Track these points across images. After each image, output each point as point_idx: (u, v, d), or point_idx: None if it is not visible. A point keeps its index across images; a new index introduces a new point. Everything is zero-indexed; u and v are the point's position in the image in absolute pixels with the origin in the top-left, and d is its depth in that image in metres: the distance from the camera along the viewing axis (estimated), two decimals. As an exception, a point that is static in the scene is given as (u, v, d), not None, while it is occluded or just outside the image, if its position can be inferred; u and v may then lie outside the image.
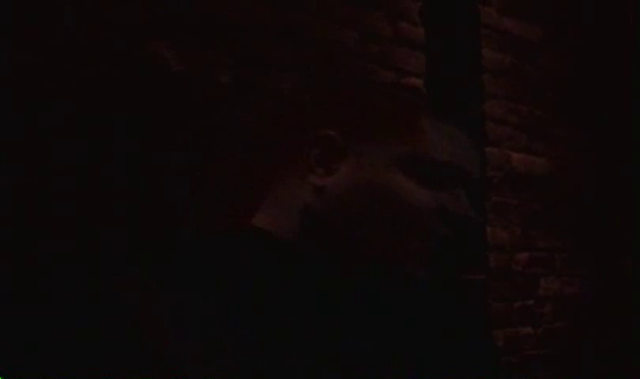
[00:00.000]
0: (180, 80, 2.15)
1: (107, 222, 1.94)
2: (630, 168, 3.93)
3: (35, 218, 1.83)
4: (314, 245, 0.97)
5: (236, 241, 0.98)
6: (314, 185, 0.98)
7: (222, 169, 2.15)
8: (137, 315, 0.84)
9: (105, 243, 1.88)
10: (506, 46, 3.33)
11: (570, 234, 3.64)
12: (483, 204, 3.18)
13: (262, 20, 2.38)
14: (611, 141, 3.87)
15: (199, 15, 2.22)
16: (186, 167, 2.13)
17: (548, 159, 3.53)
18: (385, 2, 2.81)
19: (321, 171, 0.99)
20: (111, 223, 1.93)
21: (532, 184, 3.45)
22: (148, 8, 2.10)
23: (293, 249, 0.97)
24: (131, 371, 0.80)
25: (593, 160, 3.77)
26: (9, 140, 1.81)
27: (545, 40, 3.55)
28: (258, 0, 2.38)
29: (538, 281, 3.49)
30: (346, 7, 2.66)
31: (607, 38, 3.87)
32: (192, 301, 0.88)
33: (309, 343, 0.89)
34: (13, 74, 1.82)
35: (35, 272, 1.75)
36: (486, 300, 3.20)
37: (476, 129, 3.15)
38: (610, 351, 3.73)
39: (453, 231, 0.96)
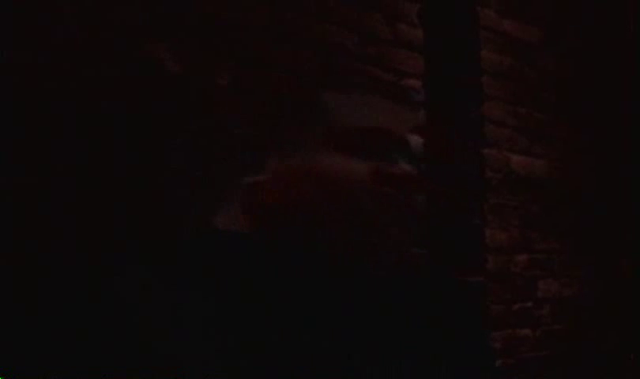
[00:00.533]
0: (179, 80, 2.15)
1: (108, 222, 1.94)
2: (630, 169, 3.92)
3: (35, 218, 1.83)
4: (269, 243, 0.96)
5: (213, 242, 0.98)
6: (247, 184, 0.99)
7: (222, 169, 2.14)
8: (137, 315, 0.84)
9: (105, 243, 1.87)
10: (505, 48, 3.33)
11: (570, 236, 3.64)
12: (482, 205, 3.18)
13: (261, 21, 2.38)
14: (611, 143, 3.87)
15: (198, 15, 2.22)
16: (186, 167, 2.13)
17: (547, 161, 3.53)
18: (384, 4, 2.81)
19: (253, 169, 0.99)
20: (112, 223, 1.93)
21: (531, 186, 3.45)
22: (147, 8, 2.10)
23: (257, 248, 0.97)
24: (131, 371, 0.80)
25: (593, 162, 3.77)
26: (9, 140, 1.81)
27: (544, 42, 3.55)
28: (257, 1, 2.38)
29: (537, 283, 3.49)
30: (345, 9, 2.66)
31: (606, 39, 3.87)
32: (191, 300, 0.88)
33: (294, 342, 0.88)
34: (13, 74, 1.82)
35: (36, 272, 1.74)
36: (484, 302, 3.20)
37: (475, 130, 3.15)
38: (609, 353, 3.72)
39: (393, 189, 0.95)
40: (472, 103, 3.11)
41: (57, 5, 1.89)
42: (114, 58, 2.03)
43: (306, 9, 2.52)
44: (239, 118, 2.15)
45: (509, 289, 3.33)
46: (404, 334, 1.01)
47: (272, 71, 2.38)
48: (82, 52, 1.95)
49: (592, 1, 3.81)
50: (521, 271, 3.41)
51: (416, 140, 2.90)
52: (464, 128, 3.08)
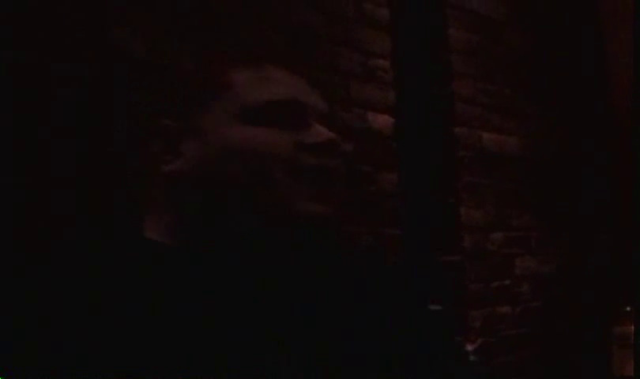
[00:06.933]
0: (144, 67, 2.13)
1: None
2: (603, 144, 3.94)
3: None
4: (197, 240, 0.93)
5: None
6: (168, 175, 0.96)
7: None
8: (135, 314, 0.82)
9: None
10: (472, 26, 3.33)
11: (545, 213, 3.65)
12: (455, 184, 3.18)
13: (225, 3, 2.37)
14: (582, 117, 3.88)
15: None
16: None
17: (519, 138, 3.54)
18: (349, -16, 2.80)
19: (170, 158, 0.96)
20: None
21: (504, 163, 3.45)
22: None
23: (182, 256, 0.93)
24: (129, 370, 0.79)
25: (565, 137, 3.78)
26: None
27: (512, 19, 3.56)
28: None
29: (514, 260, 3.50)
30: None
31: (570, 14, 3.88)
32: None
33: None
34: None
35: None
36: (462, 281, 3.20)
37: (446, 109, 3.15)
38: (587, 328, 3.74)
39: (319, 159, 0.94)
40: (442, 82, 3.12)
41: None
42: (76, 46, 2.00)
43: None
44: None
45: (486, 267, 3.34)
46: (376, 319, 0.99)
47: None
48: (41, 40, 1.92)
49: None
50: (497, 248, 3.41)
51: (385, 120, 2.90)
52: (434, 106, 3.08)
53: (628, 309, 3.48)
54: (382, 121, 2.88)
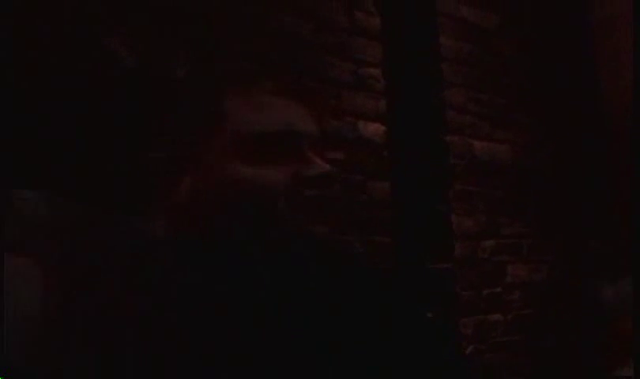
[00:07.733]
0: (134, 75, 2.12)
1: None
2: (593, 152, 3.95)
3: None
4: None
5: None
6: (175, 205, 0.97)
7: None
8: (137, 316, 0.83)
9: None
10: (464, 35, 3.34)
11: (536, 220, 3.66)
12: (447, 192, 3.19)
13: (216, 10, 2.37)
14: (573, 125, 3.90)
15: (152, 5, 2.20)
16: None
17: (510, 146, 3.55)
18: (340, -7, 2.81)
19: (168, 192, 0.98)
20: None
21: (496, 171, 3.46)
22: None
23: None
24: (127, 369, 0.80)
25: (556, 145, 3.79)
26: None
27: (502, 28, 3.57)
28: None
29: (505, 268, 3.50)
30: (301, -3, 2.65)
31: (560, 22, 3.90)
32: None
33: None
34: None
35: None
36: (454, 288, 3.20)
37: (437, 117, 3.16)
38: (578, 335, 3.74)
39: (318, 190, 0.97)
40: (433, 90, 3.12)
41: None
42: (68, 56, 1.99)
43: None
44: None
45: (477, 275, 3.34)
46: (369, 326, 1.00)
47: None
48: (33, 47, 1.92)
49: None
50: (488, 256, 3.42)
51: (376, 128, 2.90)
52: (425, 115, 3.09)
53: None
54: (374, 129, 2.89)
